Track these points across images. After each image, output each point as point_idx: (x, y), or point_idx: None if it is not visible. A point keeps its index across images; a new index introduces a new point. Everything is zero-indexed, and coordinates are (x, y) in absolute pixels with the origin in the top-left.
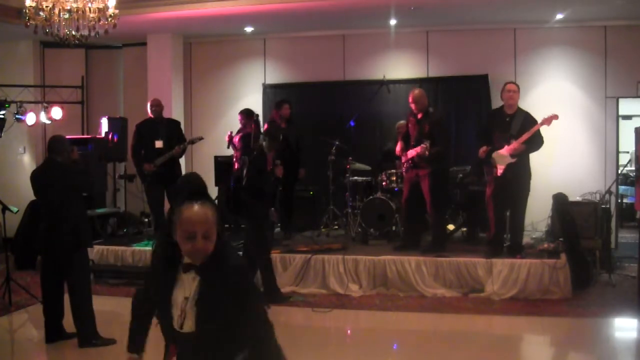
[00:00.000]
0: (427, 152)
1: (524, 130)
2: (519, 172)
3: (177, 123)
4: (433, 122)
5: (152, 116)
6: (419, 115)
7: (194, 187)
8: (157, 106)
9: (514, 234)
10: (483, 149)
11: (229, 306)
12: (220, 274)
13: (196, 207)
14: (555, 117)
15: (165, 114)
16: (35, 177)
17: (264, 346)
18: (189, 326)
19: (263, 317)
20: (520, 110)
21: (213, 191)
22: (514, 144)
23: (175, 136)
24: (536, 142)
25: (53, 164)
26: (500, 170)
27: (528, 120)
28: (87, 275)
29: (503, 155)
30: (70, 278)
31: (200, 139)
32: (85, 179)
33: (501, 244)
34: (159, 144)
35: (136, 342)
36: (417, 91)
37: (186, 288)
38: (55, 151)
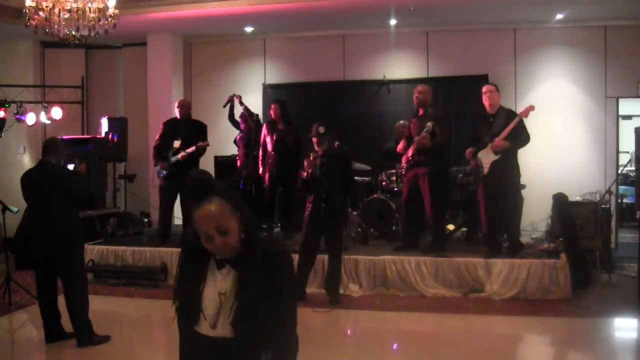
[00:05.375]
0: (428, 137)
1: (506, 127)
2: (506, 171)
3: (201, 126)
4: (433, 118)
5: (178, 116)
6: (420, 112)
7: (198, 186)
8: (184, 106)
9: (509, 234)
10: (469, 150)
11: (268, 298)
12: (259, 264)
13: (203, 206)
14: (532, 108)
15: (165, 114)
16: (27, 178)
17: (283, 344)
18: (223, 328)
19: (293, 311)
20: (502, 108)
21: None
22: (497, 141)
23: (195, 138)
24: (520, 137)
25: (47, 166)
26: (485, 168)
27: (510, 117)
28: (81, 276)
29: (487, 154)
30: (65, 281)
31: (206, 144)
32: (81, 186)
33: (498, 243)
34: (176, 144)
35: None
36: (422, 86)
37: (219, 284)
38: (49, 152)
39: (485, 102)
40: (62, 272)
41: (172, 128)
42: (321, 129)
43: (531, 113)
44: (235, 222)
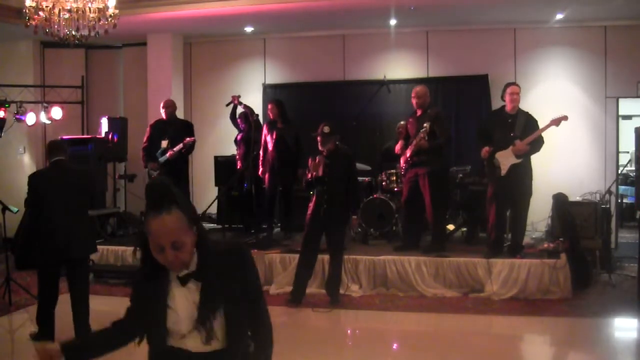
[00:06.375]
0: (426, 138)
1: (528, 130)
2: (522, 173)
3: (188, 125)
4: (432, 118)
5: (164, 117)
6: (418, 113)
7: (156, 194)
8: (168, 107)
9: (515, 235)
10: (486, 149)
11: (237, 297)
12: (219, 270)
13: (159, 217)
14: (565, 118)
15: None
16: (48, 177)
17: (260, 338)
18: (214, 342)
19: (263, 300)
20: (521, 111)
21: (213, 192)
22: (520, 145)
23: (183, 137)
24: (539, 143)
25: (69, 166)
26: (504, 170)
27: (531, 121)
28: (88, 276)
29: (507, 156)
30: (78, 282)
31: (191, 141)
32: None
33: (501, 245)
34: (164, 144)
35: (74, 345)
36: (419, 87)
37: (190, 299)
38: (60, 152)
39: (511, 103)
40: (77, 273)
41: (159, 129)
42: (326, 129)
43: (532, 113)
44: (190, 236)
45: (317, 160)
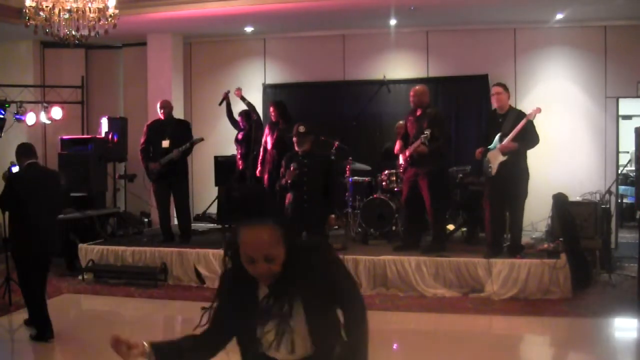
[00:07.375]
0: (426, 144)
1: (515, 128)
2: (514, 172)
3: (186, 124)
4: (431, 118)
5: (161, 117)
6: (418, 113)
7: (252, 205)
8: (166, 107)
9: (512, 235)
10: (479, 150)
11: (330, 307)
12: (308, 281)
13: (253, 229)
14: (538, 110)
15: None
16: (23, 180)
17: (353, 342)
18: (296, 351)
19: (360, 307)
20: (512, 109)
21: (213, 192)
22: (505, 142)
23: (182, 136)
24: (529, 139)
25: (39, 168)
26: (494, 169)
27: (519, 119)
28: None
29: (496, 155)
30: (45, 277)
31: (201, 139)
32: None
33: (500, 244)
34: (165, 143)
35: (165, 347)
36: (419, 86)
37: (275, 308)
38: (33, 155)
39: (494, 103)
40: (47, 268)
41: (156, 129)
42: (301, 129)
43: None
44: (282, 249)
45: (292, 168)
